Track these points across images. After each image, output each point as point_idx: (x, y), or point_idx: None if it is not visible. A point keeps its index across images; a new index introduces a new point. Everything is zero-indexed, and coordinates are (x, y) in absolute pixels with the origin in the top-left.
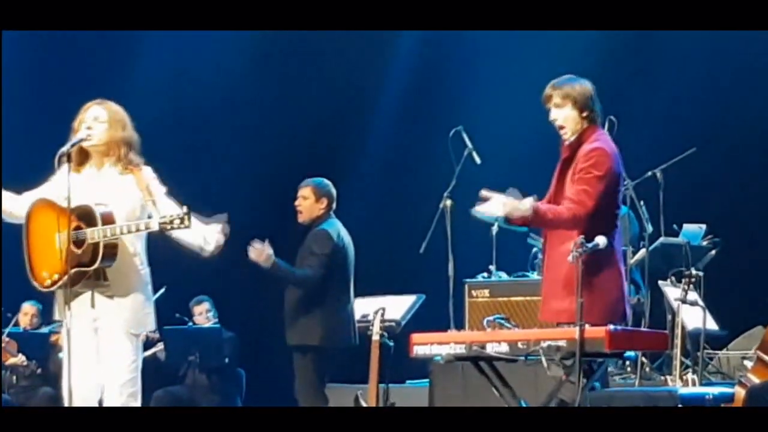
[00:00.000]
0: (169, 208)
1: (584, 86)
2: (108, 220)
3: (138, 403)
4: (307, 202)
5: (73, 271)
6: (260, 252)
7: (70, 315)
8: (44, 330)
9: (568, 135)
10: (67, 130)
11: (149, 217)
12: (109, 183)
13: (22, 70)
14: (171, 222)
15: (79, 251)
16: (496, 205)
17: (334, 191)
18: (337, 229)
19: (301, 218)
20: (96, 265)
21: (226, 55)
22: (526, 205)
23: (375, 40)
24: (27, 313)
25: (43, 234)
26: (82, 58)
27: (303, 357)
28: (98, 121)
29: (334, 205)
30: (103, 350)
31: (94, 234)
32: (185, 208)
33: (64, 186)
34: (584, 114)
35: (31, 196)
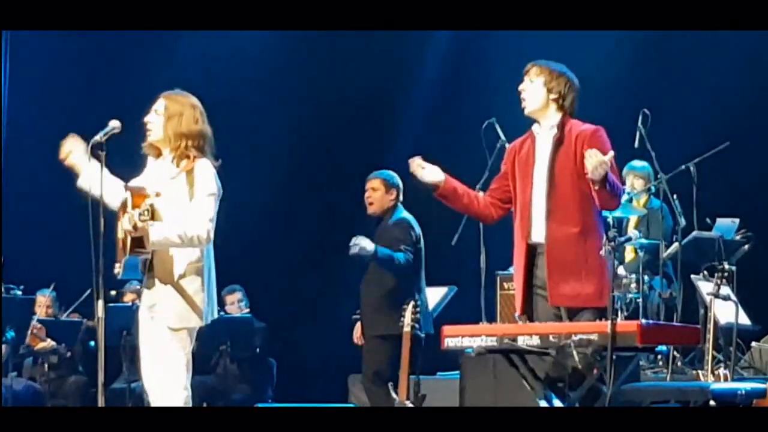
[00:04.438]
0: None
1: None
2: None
3: (168, 400)
4: (378, 194)
5: (124, 259)
6: (360, 240)
7: (102, 306)
8: (64, 317)
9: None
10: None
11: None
12: (161, 174)
13: (61, 68)
14: (144, 212)
15: (123, 238)
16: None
17: (401, 183)
18: (411, 219)
19: (372, 209)
20: (127, 255)
21: (265, 54)
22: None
23: (407, 38)
24: (41, 304)
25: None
26: (120, 56)
27: (382, 346)
28: (157, 114)
29: (401, 197)
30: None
31: (125, 222)
32: (155, 193)
33: (147, 176)
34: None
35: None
